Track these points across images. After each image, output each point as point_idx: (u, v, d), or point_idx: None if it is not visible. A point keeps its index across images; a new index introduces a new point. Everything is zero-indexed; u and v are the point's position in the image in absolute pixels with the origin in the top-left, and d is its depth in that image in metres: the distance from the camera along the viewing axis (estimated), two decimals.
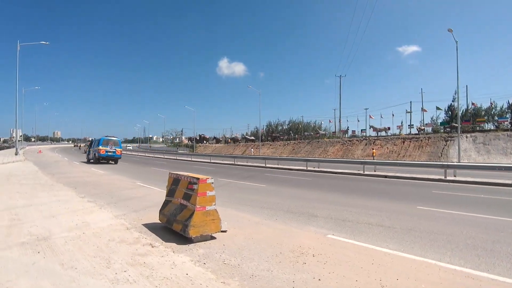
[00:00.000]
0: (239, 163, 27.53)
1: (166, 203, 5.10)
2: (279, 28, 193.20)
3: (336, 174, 18.31)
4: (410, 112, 51.18)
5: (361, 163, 18.57)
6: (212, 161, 30.23)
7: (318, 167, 22.07)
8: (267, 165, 24.21)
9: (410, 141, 42.21)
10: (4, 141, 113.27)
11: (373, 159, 28.64)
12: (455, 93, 49.59)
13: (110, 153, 22.48)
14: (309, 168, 21.20)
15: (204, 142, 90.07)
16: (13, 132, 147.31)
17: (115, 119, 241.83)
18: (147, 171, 17.92)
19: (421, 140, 41.27)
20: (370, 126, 48.92)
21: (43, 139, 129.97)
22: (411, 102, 52.90)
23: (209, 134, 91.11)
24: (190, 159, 34.75)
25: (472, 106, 45.67)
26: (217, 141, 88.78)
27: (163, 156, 42.47)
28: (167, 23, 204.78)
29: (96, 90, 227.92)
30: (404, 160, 30.02)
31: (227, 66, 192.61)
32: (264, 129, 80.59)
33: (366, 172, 17.96)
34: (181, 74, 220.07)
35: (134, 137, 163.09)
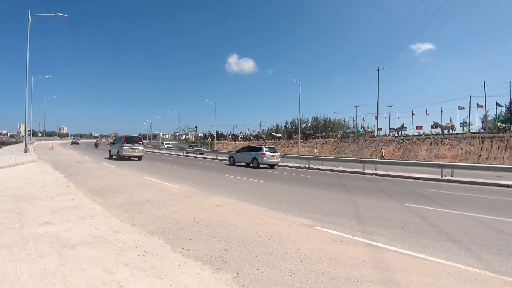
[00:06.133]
0: (314, 166, 21.02)
1: None
2: (288, 25, 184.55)
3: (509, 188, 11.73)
4: (469, 108, 43.89)
5: None
6: None
7: (452, 175, 15.52)
8: (366, 171, 17.65)
9: (491, 141, 35.08)
10: (11, 136, 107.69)
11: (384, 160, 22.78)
12: None
13: (75, 142, 59.44)
14: (444, 178, 14.62)
15: (221, 139, 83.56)
16: (20, 127, 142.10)
17: (123, 114, 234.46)
18: (239, 182, 11.32)
19: (507, 140, 34.11)
20: (434, 123, 41.85)
21: (50, 135, 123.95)
22: (470, 96, 45.26)
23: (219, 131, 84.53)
24: None
25: None
26: (234, 138, 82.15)
27: (194, 155, 35.97)
28: (176, 19, 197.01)
29: (105, 85, 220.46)
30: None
31: (236, 62, 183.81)
32: (287, 126, 74.30)
33: None
34: (190, 71, 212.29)
35: (140, 133, 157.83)
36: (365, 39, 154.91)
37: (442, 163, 15.66)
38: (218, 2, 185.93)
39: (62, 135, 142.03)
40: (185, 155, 35.88)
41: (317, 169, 19.91)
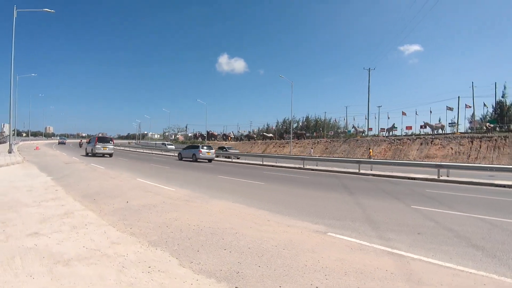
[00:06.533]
0: (309, 166, 20.82)
1: None
2: (279, 26, 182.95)
3: None
4: (458, 109, 44.53)
5: None
6: (268, 163, 23.32)
7: (448, 175, 15.57)
8: (361, 171, 17.54)
9: (480, 141, 35.69)
10: None
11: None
12: (505, 88, 43.25)
13: (62, 142, 61.57)
14: (441, 178, 14.65)
15: (212, 139, 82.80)
16: (4, 126, 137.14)
17: (111, 114, 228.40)
18: (238, 184, 10.91)
19: (496, 140, 34.74)
20: (424, 123, 42.44)
21: (35, 134, 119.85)
22: (459, 97, 46.08)
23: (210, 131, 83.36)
24: (256, 162, 27.79)
25: None
26: (225, 138, 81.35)
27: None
28: (165, 18, 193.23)
29: (93, 84, 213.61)
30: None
31: (227, 62, 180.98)
32: (278, 126, 74.37)
33: None
34: (180, 70, 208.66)
35: (128, 133, 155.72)
36: (356, 40, 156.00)
37: (439, 163, 15.69)
38: (209, 1, 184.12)
39: (48, 135, 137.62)
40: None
41: (312, 169, 19.72)
